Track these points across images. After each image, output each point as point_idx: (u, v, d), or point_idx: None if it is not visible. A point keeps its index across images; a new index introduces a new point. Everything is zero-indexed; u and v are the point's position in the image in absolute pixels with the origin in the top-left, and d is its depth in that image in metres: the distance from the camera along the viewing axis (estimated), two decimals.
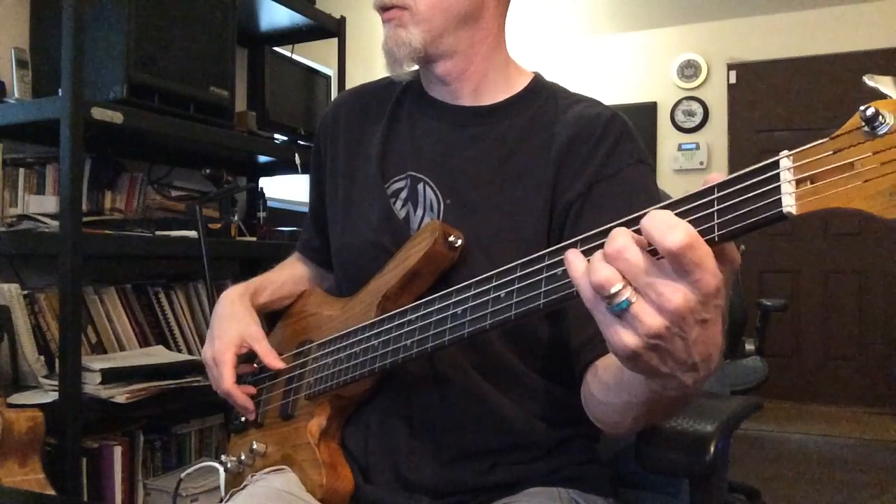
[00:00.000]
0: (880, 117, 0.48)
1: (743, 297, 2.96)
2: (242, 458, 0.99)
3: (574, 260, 0.54)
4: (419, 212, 0.95)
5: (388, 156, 1.00)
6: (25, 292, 1.80)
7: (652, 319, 0.51)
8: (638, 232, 0.51)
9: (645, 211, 0.53)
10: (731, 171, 0.55)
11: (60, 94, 1.67)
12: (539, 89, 1.00)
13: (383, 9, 0.93)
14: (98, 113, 1.68)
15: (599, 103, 0.97)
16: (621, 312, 0.52)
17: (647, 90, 4.99)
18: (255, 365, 1.03)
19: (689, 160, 4.85)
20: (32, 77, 1.96)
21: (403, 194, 0.96)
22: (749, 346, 2.97)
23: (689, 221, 0.51)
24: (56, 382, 1.65)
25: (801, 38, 4.59)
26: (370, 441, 0.94)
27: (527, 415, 0.91)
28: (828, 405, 4.46)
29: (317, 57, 3.03)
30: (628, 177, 0.89)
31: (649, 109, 4.96)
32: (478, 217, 0.91)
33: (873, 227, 4.44)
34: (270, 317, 1.10)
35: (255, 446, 0.98)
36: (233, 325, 0.99)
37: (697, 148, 4.83)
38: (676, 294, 0.50)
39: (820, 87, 4.55)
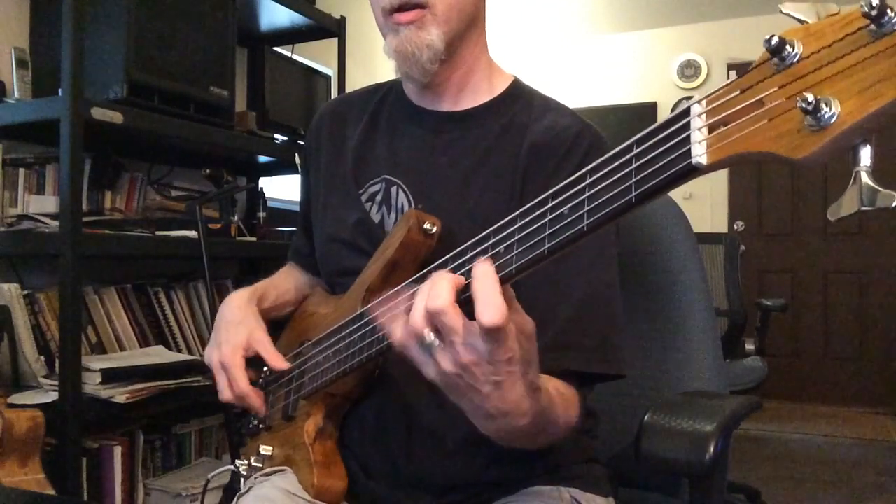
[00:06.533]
0: (788, 47, 0.43)
1: (743, 297, 2.96)
2: (253, 461, 1.00)
3: (393, 317, 0.66)
4: (392, 215, 0.95)
5: (365, 160, 1.00)
6: (25, 292, 1.80)
7: (448, 365, 0.61)
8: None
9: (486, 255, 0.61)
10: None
11: (60, 94, 1.67)
12: (517, 94, 0.99)
13: (399, 10, 0.88)
14: (98, 113, 1.68)
15: (571, 113, 0.95)
16: (429, 349, 0.62)
17: (646, 90, 4.99)
18: (264, 369, 1.03)
19: None
20: (32, 77, 1.96)
21: (378, 197, 0.97)
22: (749, 346, 2.97)
23: (613, 181, 0.51)
24: (56, 382, 1.65)
25: None
26: (367, 438, 0.94)
27: None
28: (828, 405, 4.46)
29: (317, 57, 3.03)
30: None
31: (649, 109, 4.96)
32: (448, 222, 0.89)
33: (873, 227, 4.44)
34: (276, 323, 1.10)
35: (261, 450, 0.99)
36: (239, 329, 0.99)
37: None
38: (469, 354, 0.60)
39: None
